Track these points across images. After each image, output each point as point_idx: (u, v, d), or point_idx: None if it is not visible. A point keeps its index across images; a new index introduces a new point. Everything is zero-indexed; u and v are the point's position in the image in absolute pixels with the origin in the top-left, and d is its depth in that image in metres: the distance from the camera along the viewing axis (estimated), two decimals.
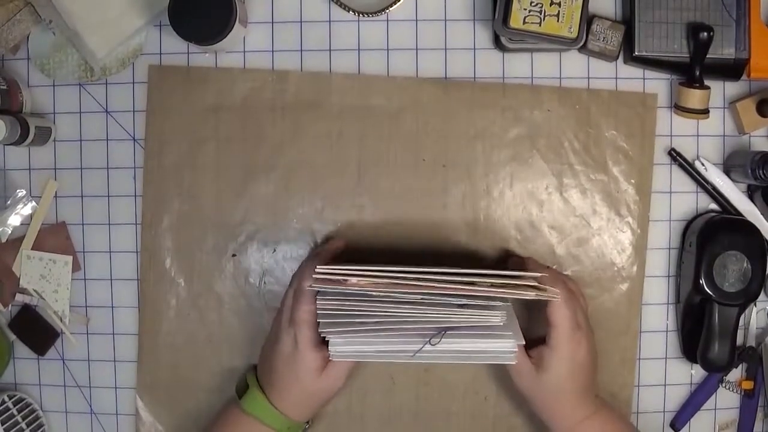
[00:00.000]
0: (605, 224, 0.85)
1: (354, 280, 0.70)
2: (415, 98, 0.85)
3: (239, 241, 0.86)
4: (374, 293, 0.70)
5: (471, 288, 0.69)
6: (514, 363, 0.74)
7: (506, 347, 0.72)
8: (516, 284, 0.70)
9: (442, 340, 0.71)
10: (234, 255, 0.86)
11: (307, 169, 0.85)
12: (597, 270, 0.85)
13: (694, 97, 0.81)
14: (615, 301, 0.85)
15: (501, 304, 0.71)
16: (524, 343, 0.73)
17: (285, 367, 0.75)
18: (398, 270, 0.69)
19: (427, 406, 0.86)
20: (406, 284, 0.69)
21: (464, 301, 0.69)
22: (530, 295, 0.69)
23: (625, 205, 0.85)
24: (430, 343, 0.70)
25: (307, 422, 0.80)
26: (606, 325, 0.85)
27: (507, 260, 0.84)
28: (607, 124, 0.85)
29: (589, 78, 0.85)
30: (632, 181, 0.85)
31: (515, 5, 0.77)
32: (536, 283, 0.72)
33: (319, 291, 0.72)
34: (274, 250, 0.86)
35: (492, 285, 0.70)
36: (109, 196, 0.86)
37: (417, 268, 0.70)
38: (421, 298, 0.70)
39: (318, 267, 0.69)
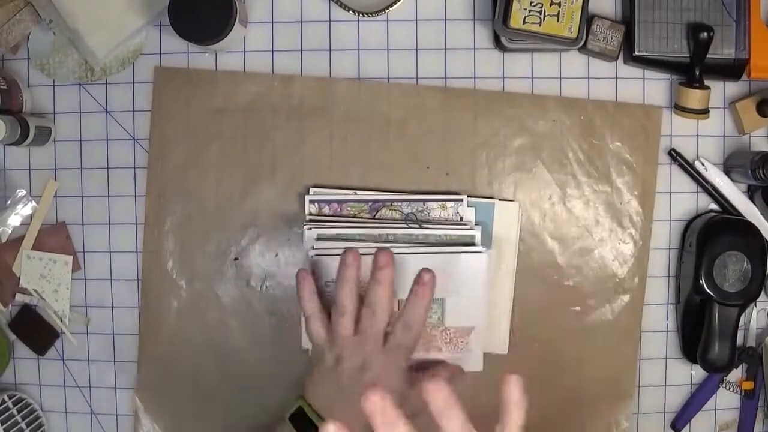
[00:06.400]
0: (607, 235, 0.85)
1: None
2: (419, 106, 0.84)
3: (241, 245, 0.85)
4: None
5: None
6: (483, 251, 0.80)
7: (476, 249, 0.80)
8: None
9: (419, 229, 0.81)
10: (236, 258, 0.86)
11: (310, 175, 0.85)
12: (598, 281, 0.85)
13: (694, 97, 0.81)
14: (616, 313, 0.85)
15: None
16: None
17: (349, 383, 0.73)
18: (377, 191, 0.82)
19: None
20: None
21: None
22: None
23: (628, 217, 0.85)
24: (408, 227, 0.81)
25: None
26: (606, 336, 0.84)
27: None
28: (612, 136, 0.84)
29: (589, 78, 0.85)
30: (635, 192, 0.85)
31: (515, 5, 0.77)
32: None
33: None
34: (276, 255, 0.86)
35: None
36: (109, 196, 0.86)
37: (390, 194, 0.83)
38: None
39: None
